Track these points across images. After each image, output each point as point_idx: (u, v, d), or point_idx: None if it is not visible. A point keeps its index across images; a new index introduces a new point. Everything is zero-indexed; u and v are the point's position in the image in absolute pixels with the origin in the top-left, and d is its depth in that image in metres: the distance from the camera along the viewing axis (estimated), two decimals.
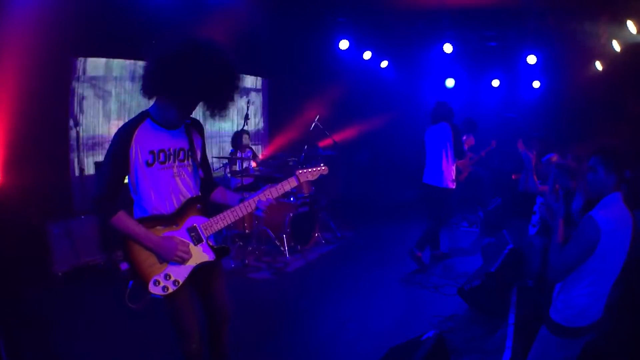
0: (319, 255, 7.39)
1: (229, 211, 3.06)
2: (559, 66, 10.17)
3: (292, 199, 7.41)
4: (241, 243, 7.30)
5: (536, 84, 11.09)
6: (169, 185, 2.91)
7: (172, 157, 2.91)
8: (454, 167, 6.81)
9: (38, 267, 5.93)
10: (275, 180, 7.48)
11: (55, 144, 6.74)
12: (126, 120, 2.92)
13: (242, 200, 3.13)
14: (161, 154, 2.86)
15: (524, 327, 4.33)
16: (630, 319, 3.53)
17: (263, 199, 3.11)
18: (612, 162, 2.79)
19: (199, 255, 2.96)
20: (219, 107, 2.83)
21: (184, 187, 2.98)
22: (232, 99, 2.85)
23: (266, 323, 5.04)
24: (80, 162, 6.83)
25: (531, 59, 10.03)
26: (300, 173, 3.30)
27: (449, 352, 3.75)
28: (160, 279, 2.83)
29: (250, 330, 4.70)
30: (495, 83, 11.61)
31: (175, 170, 2.93)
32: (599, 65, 9.47)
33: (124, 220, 2.75)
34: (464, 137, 9.04)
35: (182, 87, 2.62)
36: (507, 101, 11.55)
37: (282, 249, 7.08)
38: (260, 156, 8.24)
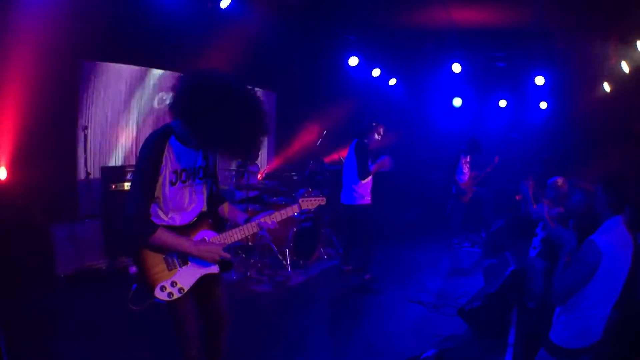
0: (320, 271, 7.37)
1: (237, 229, 3.16)
2: (566, 87, 10.17)
3: (296, 213, 7.39)
4: (244, 255, 7.30)
5: (543, 105, 11.10)
6: (187, 201, 3.01)
7: (192, 176, 3.01)
8: (363, 183, 6.49)
9: (41, 269, 5.94)
10: (279, 194, 7.60)
11: (62, 147, 6.82)
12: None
13: (247, 220, 3.23)
14: (183, 174, 2.94)
15: (524, 349, 4.31)
16: (629, 340, 3.52)
17: (268, 221, 3.22)
18: (614, 186, 2.82)
19: (204, 266, 3.05)
20: (241, 157, 2.92)
21: (199, 202, 3.09)
22: (257, 151, 3.00)
23: (265, 336, 5.02)
24: (87, 166, 6.86)
25: (539, 80, 10.05)
26: (302, 201, 3.47)
27: None
28: (167, 285, 2.89)
29: (249, 343, 4.68)
30: (503, 103, 11.64)
31: (194, 188, 3.04)
32: (607, 87, 9.46)
33: (163, 236, 2.80)
34: (466, 158, 9.07)
35: (211, 135, 2.66)
36: (513, 122, 11.56)
37: (284, 262, 7.09)
38: (259, 174, 8.26)
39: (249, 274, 6.76)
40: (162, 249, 2.85)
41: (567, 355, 2.83)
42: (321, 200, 3.58)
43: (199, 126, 2.66)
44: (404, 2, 7.94)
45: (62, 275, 6.05)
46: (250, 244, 7.26)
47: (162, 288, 2.87)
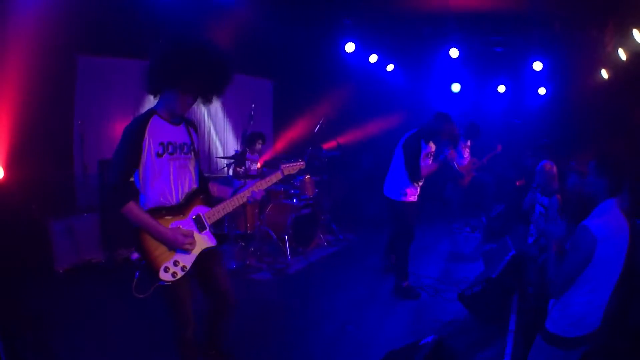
0: (320, 257, 7.38)
1: (226, 202, 3.30)
2: (564, 73, 10.15)
3: (295, 200, 7.40)
4: (243, 243, 7.30)
5: (542, 91, 11.06)
6: (176, 176, 3.11)
7: (178, 149, 3.11)
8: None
9: (39, 264, 5.95)
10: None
11: (59, 141, 6.80)
12: (129, 119, 3.06)
13: (234, 193, 3.37)
14: (170, 146, 3.06)
15: (524, 334, 4.32)
16: (628, 329, 3.50)
17: (255, 189, 3.36)
18: (607, 168, 2.77)
19: (203, 241, 3.17)
20: (213, 93, 3.10)
21: (188, 178, 3.19)
22: (226, 85, 3.11)
23: (266, 324, 5.03)
24: (83, 160, 6.83)
25: (537, 66, 10.00)
26: (284, 167, 3.61)
27: (448, 357, 3.74)
28: (170, 265, 3.00)
29: (249, 331, 4.69)
30: (501, 89, 11.59)
31: (181, 162, 3.13)
32: (604, 74, 9.44)
33: (135, 210, 2.91)
34: (466, 142, 9.05)
35: (182, 75, 2.87)
36: (512, 107, 11.52)
37: (283, 250, 7.08)
38: (258, 163, 8.21)
39: (248, 262, 6.75)
40: (138, 225, 2.93)
41: (564, 344, 2.76)
42: (301, 165, 3.74)
43: (173, 74, 2.87)
44: None
45: (61, 270, 6.04)
46: (249, 231, 7.25)
47: (166, 269, 2.98)
